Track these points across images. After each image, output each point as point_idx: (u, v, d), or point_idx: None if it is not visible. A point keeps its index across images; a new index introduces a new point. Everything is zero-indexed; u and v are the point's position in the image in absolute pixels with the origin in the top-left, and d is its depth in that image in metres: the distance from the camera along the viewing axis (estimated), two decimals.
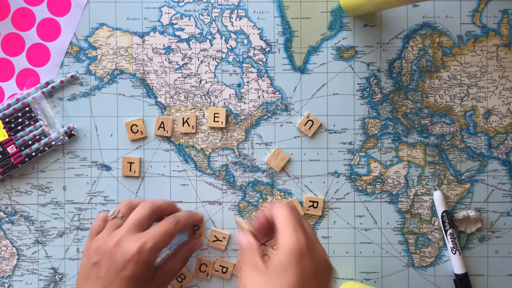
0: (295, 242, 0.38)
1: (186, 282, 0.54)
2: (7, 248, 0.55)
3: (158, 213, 0.49)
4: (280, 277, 0.37)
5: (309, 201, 0.54)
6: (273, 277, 0.38)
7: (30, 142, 0.53)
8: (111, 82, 0.55)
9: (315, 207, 0.54)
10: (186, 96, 0.55)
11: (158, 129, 0.54)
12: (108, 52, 0.54)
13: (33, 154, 0.53)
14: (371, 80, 0.55)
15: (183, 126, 0.55)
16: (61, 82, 0.54)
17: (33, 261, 0.55)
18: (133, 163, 0.54)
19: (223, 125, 0.54)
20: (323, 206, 0.55)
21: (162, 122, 0.54)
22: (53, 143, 0.53)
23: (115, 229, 0.47)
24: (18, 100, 0.53)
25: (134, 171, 0.54)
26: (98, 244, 0.46)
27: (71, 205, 0.55)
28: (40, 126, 0.53)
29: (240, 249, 0.43)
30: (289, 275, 0.37)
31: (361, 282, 0.55)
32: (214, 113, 0.54)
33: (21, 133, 0.53)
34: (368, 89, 0.55)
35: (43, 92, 0.54)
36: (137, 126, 0.54)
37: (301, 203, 0.55)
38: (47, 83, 0.54)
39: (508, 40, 0.55)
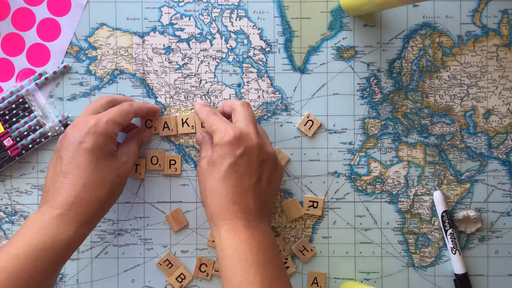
0: (223, 135, 0.46)
1: (186, 282, 0.54)
2: None
3: (114, 103, 0.51)
4: (217, 165, 0.46)
5: (309, 201, 0.54)
6: (214, 165, 0.46)
7: (25, 133, 0.53)
8: (111, 82, 0.55)
9: (315, 207, 0.54)
10: (186, 96, 0.55)
11: (163, 130, 0.54)
12: (108, 52, 0.54)
13: (30, 146, 0.53)
14: (371, 80, 0.55)
15: (182, 126, 0.54)
16: (54, 73, 0.54)
17: None
18: (139, 165, 0.54)
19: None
20: (323, 206, 0.55)
21: (166, 122, 0.54)
22: (49, 133, 0.53)
23: None
24: (12, 93, 0.54)
25: (140, 173, 0.54)
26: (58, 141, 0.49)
27: None
28: (35, 117, 0.53)
29: (197, 143, 0.54)
30: (224, 160, 0.45)
31: (361, 282, 0.55)
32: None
33: (16, 124, 0.53)
34: (368, 89, 0.55)
35: (36, 84, 0.54)
36: (151, 121, 0.54)
37: (301, 203, 0.55)
38: (40, 75, 0.54)
39: (508, 40, 0.55)
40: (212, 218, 0.46)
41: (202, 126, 0.54)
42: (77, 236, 0.44)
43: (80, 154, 0.45)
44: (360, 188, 0.55)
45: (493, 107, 0.55)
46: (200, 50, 0.55)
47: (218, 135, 0.46)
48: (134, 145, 0.51)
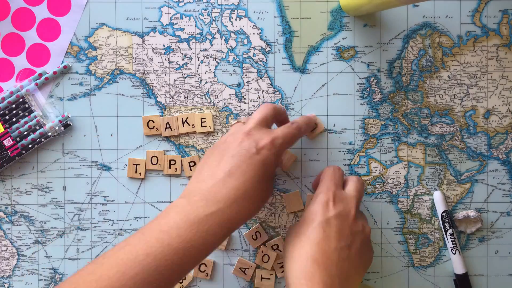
0: (323, 192, 0.46)
1: (186, 283, 0.54)
2: (7, 248, 0.55)
3: (279, 117, 0.49)
4: (308, 223, 0.44)
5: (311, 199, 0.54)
6: (303, 222, 0.45)
7: (25, 133, 0.53)
8: (111, 82, 0.55)
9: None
10: (186, 96, 0.55)
11: (165, 130, 0.54)
12: (108, 52, 0.54)
13: (30, 146, 0.53)
14: (371, 80, 0.55)
15: (183, 126, 0.55)
16: (54, 73, 0.54)
17: (33, 261, 0.55)
18: (139, 165, 0.54)
19: (212, 129, 0.54)
20: None
21: (168, 123, 0.54)
22: (49, 133, 0.53)
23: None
24: (12, 93, 0.54)
25: (140, 173, 0.54)
26: (225, 137, 0.46)
27: (71, 205, 0.55)
28: (35, 117, 0.53)
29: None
30: (315, 220, 0.44)
31: (361, 282, 0.55)
32: (201, 118, 0.54)
33: (16, 124, 0.53)
34: (368, 89, 0.55)
35: (36, 84, 0.54)
36: (153, 122, 0.54)
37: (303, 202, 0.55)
38: (40, 75, 0.54)
39: (508, 40, 0.55)
40: (288, 279, 0.43)
41: (202, 126, 0.54)
42: (218, 242, 0.42)
43: (251, 162, 0.43)
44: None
45: (493, 107, 0.55)
46: (200, 50, 0.55)
47: (320, 190, 0.46)
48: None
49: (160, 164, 0.54)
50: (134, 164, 0.54)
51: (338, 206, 0.45)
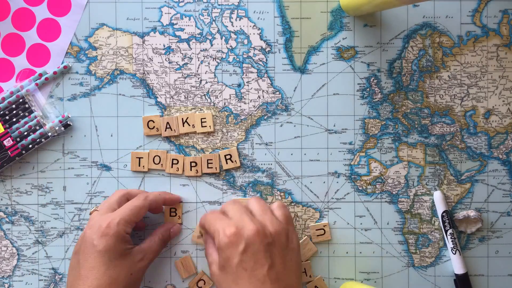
0: (220, 236, 0.45)
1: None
2: (7, 248, 0.55)
3: (128, 197, 0.52)
4: (226, 268, 0.45)
5: (316, 229, 0.55)
6: (224, 269, 0.45)
7: (25, 133, 0.53)
8: (111, 82, 0.55)
9: (324, 234, 0.55)
10: (186, 96, 0.55)
11: (166, 131, 0.54)
12: (108, 52, 0.54)
13: (30, 146, 0.53)
14: (371, 80, 0.55)
15: (183, 126, 0.55)
16: (54, 73, 0.54)
17: (33, 261, 0.55)
18: (142, 158, 0.54)
19: (212, 129, 0.54)
20: (330, 229, 0.55)
21: (168, 123, 0.54)
22: (49, 133, 0.53)
23: None
24: (12, 93, 0.54)
25: (143, 166, 0.54)
26: (83, 233, 0.49)
27: (71, 205, 0.55)
28: (35, 117, 0.53)
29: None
30: (231, 262, 0.44)
31: (361, 282, 0.55)
32: (201, 119, 0.54)
33: (17, 125, 0.53)
34: (368, 89, 0.55)
35: (36, 84, 0.54)
36: (153, 122, 0.54)
37: (301, 203, 0.55)
38: (40, 75, 0.54)
39: (508, 40, 0.55)
40: None
41: (202, 126, 0.54)
42: None
43: (94, 256, 0.46)
44: (360, 188, 0.55)
45: (493, 107, 0.55)
46: (200, 50, 0.55)
47: (216, 237, 0.45)
48: (157, 243, 0.51)
49: (162, 164, 0.54)
50: (137, 157, 0.54)
51: (240, 236, 0.44)
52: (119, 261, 0.47)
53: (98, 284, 0.46)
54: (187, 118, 0.54)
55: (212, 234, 0.46)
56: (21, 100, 0.54)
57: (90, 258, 0.46)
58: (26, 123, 0.54)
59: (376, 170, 0.55)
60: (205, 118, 0.54)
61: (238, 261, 0.44)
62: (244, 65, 0.55)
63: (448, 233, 0.54)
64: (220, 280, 0.45)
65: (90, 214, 0.50)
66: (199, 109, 0.55)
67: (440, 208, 0.54)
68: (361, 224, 0.55)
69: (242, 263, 0.44)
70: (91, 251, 0.47)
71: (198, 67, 0.55)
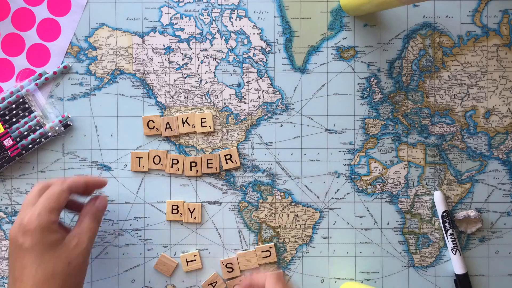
0: None
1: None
2: (7, 249, 0.54)
3: (47, 187, 0.48)
4: None
5: (262, 251, 0.54)
6: None
7: (25, 133, 0.53)
8: (111, 82, 0.55)
9: (270, 255, 0.54)
10: (186, 96, 0.55)
11: (166, 131, 0.54)
12: (108, 52, 0.54)
13: (30, 146, 0.53)
14: (371, 80, 0.55)
15: (183, 126, 0.54)
16: (54, 73, 0.54)
17: None
18: (142, 158, 0.54)
19: (212, 129, 0.54)
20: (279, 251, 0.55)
21: (168, 123, 0.54)
22: (49, 133, 0.53)
23: None
24: (12, 93, 0.54)
25: (143, 166, 0.54)
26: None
27: None
28: (35, 117, 0.53)
29: None
30: None
31: (361, 282, 0.55)
32: (201, 119, 0.54)
33: (16, 125, 0.53)
34: (368, 89, 0.55)
35: (36, 84, 0.54)
36: (153, 122, 0.54)
37: (301, 203, 0.55)
38: (40, 75, 0.54)
39: (508, 40, 0.55)
40: None
41: (202, 126, 0.54)
42: None
43: (22, 256, 0.44)
44: (360, 188, 0.55)
45: (493, 107, 0.55)
46: (200, 50, 0.55)
47: None
48: (88, 221, 0.48)
49: (162, 164, 0.54)
50: (137, 157, 0.54)
51: None
52: (51, 253, 0.44)
53: (33, 283, 0.43)
54: (187, 118, 0.54)
55: None
56: (21, 100, 0.54)
57: (19, 258, 0.44)
58: (26, 123, 0.54)
59: (376, 170, 0.55)
60: (205, 118, 0.54)
61: None
62: (244, 65, 0.55)
63: (448, 233, 0.54)
64: None
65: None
66: (199, 109, 0.55)
67: (440, 208, 0.54)
68: (361, 224, 0.55)
69: None
70: (18, 250, 0.44)
71: (198, 67, 0.55)
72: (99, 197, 0.50)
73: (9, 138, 0.53)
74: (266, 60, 0.55)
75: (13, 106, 0.54)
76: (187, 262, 0.54)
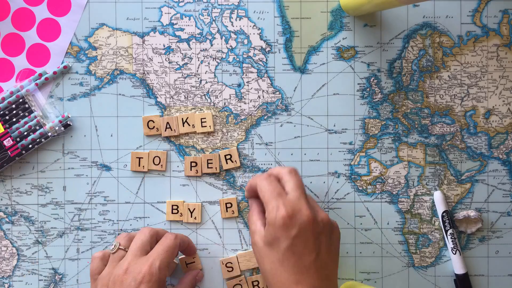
0: (275, 214, 0.44)
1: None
2: (7, 248, 0.55)
3: (157, 237, 0.50)
4: (274, 246, 0.44)
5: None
6: (271, 246, 0.45)
7: (25, 133, 0.53)
8: (111, 82, 0.55)
9: (232, 270, 0.54)
10: (186, 96, 0.55)
11: (166, 131, 0.54)
12: (108, 52, 0.54)
13: (30, 146, 0.53)
14: (371, 80, 0.55)
15: (183, 126, 0.54)
16: (54, 73, 0.54)
17: (33, 261, 0.55)
18: (142, 158, 0.54)
19: (212, 129, 0.54)
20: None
21: (168, 123, 0.54)
22: (49, 133, 0.53)
23: (119, 261, 0.48)
24: (12, 93, 0.54)
25: (143, 166, 0.54)
26: (105, 279, 0.47)
27: (71, 205, 0.55)
28: (35, 117, 0.53)
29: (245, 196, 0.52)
30: (280, 243, 0.44)
31: (361, 282, 0.55)
32: (201, 119, 0.54)
33: (16, 125, 0.53)
34: (368, 89, 0.55)
35: (36, 84, 0.54)
36: (153, 122, 0.54)
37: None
38: (40, 75, 0.54)
39: (509, 40, 0.55)
40: None
41: (202, 126, 0.54)
42: None
43: None
44: (360, 188, 0.55)
45: (493, 107, 0.55)
46: (200, 50, 0.55)
47: (270, 212, 0.45)
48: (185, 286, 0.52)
49: (162, 165, 0.54)
50: (137, 157, 0.54)
51: (295, 220, 0.44)
52: None
53: None
54: (187, 118, 0.54)
55: (265, 204, 0.46)
56: (21, 100, 0.54)
57: None
58: (26, 123, 0.54)
59: (376, 170, 0.55)
60: (205, 118, 0.54)
61: (288, 244, 0.44)
62: (244, 65, 0.55)
63: (448, 233, 0.54)
64: (262, 254, 0.45)
65: (113, 252, 0.48)
66: (199, 109, 0.55)
67: (440, 208, 0.54)
68: (361, 224, 0.55)
69: (292, 247, 0.44)
70: None
71: (198, 67, 0.55)
72: (199, 272, 0.54)
73: (9, 138, 0.53)
74: (266, 60, 0.55)
75: (13, 106, 0.54)
76: (187, 264, 0.54)
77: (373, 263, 0.55)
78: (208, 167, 0.54)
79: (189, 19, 0.55)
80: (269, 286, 0.45)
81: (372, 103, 0.55)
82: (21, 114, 0.54)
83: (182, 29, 0.55)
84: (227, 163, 0.54)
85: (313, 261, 0.44)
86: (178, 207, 0.54)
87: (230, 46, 0.55)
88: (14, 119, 0.54)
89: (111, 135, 0.55)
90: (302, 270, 0.44)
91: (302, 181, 0.48)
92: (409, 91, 0.55)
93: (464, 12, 0.55)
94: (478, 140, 0.55)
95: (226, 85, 0.55)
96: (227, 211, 0.54)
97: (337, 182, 0.55)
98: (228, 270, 0.54)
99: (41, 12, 0.54)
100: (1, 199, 0.55)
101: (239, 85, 0.55)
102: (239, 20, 0.55)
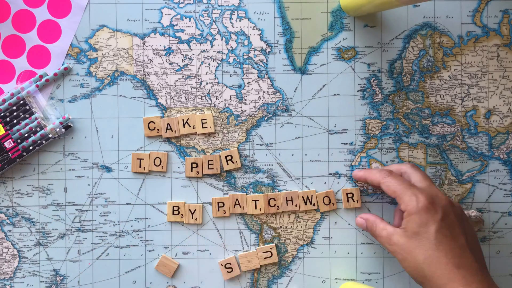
0: (415, 203, 0.45)
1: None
2: (8, 250, 0.55)
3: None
4: (422, 234, 0.45)
5: (263, 252, 0.54)
6: (419, 235, 0.45)
7: (26, 135, 0.53)
8: (111, 83, 0.55)
9: (271, 256, 0.54)
10: (186, 97, 0.55)
11: (166, 132, 0.54)
12: (108, 54, 0.54)
13: (31, 147, 0.53)
14: (372, 80, 0.55)
15: (184, 127, 0.55)
16: (55, 74, 0.54)
17: (34, 263, 0.55)
18: (143, 159, 0.54)
19: (212, 130, 0.54)
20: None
21: (169, 124, 0.54)
22: (50, 135, 0.53)
23: None
24: (13, 95, 0.54)
25: (144, 167, 0.54)
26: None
27: (72, 206, 0.55)
28: (36, 119, 0.53)
29: (360, 227, 0.52)
30: (429, 228, 0.45)
31: (363, 282, 0.55)
32: (202, 119, 0.54)
33: (17, 126, 0.53)
34: (368, 90, 0.55)
35: (37, 86, 0.54)
36: (154, 123, 0.54)
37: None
38: (41, 76, 0.54)
39: (509, 40, 0.55)
40: None
41: (202, 127, 0.54)
42: None
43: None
44: (361, 188, 0.55)
45: (494, 107, 0.55)
46: (201, 51, 0.55)
47: (408, 202, 0.46)
48: None
49: (162, 166, 0.54)
50: (138, 158, 0.54)
51: (436, 204, 0.46)
52: None
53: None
54: (188, 119, 0.55)
55: (398, 198, 0.47)
56: (21, 102, 0.54)
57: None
58: (26, 124, 0.54)
59: None
60: (205, 119, 0.54)
61: (437, 227, 0.44)
62: (244, 66, 0.55)
63: None
64: (411, 248, 0.45)
65: None
66: (199, 110, 0.55)
67: None
68: None
69: (441, 230, 0.44)
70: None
71: (199, 68, 0.55)
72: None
73: (10, 140, 0.53)
74: (267, 61, 0.55)
75: (14, 107, 0.54)
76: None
77: (374, 263, 0.55)
78: (209, 168, 0.54)
79: (190, 20, 0.55)
80: (424, 281, 0.45)
81: (372, 103, 0.55)
82: (22, 115, 0.54)
83: (182, 30, 0.55)
84: (227, 164, 0.54)
85: (465, 243, 0.45)
86: (179, 208, 0.54)
87: (231, 47, 0.55)
88: (15, 121, 0.54)
89: (112, 137, 0.55)
90: (460, 253, 0.44)
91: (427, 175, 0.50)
92: (410, 92, 0.55)
93: (464, 12, 0.55)
94: (478, 140, 0.55)
95: (227, 86, 0.55)
96: (218, 210, 0.54)
97: (338, 183, 0.55)
98: (228, 271, 0.54)
99: (42, 13, 0.54)
100: (2, 201, 0.55)
101: (239, 86, 0.55)
102: (240, 21, 0.55)
